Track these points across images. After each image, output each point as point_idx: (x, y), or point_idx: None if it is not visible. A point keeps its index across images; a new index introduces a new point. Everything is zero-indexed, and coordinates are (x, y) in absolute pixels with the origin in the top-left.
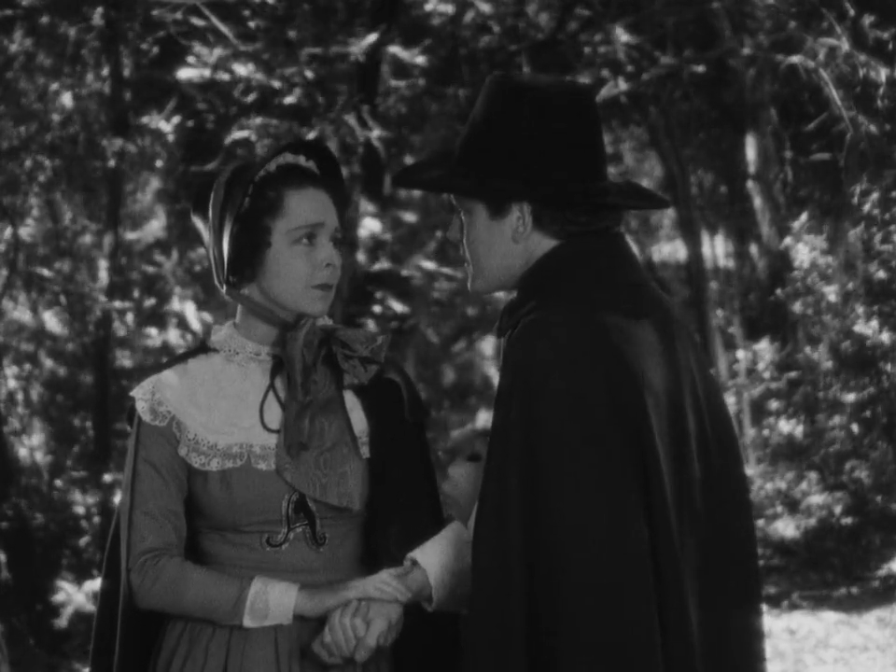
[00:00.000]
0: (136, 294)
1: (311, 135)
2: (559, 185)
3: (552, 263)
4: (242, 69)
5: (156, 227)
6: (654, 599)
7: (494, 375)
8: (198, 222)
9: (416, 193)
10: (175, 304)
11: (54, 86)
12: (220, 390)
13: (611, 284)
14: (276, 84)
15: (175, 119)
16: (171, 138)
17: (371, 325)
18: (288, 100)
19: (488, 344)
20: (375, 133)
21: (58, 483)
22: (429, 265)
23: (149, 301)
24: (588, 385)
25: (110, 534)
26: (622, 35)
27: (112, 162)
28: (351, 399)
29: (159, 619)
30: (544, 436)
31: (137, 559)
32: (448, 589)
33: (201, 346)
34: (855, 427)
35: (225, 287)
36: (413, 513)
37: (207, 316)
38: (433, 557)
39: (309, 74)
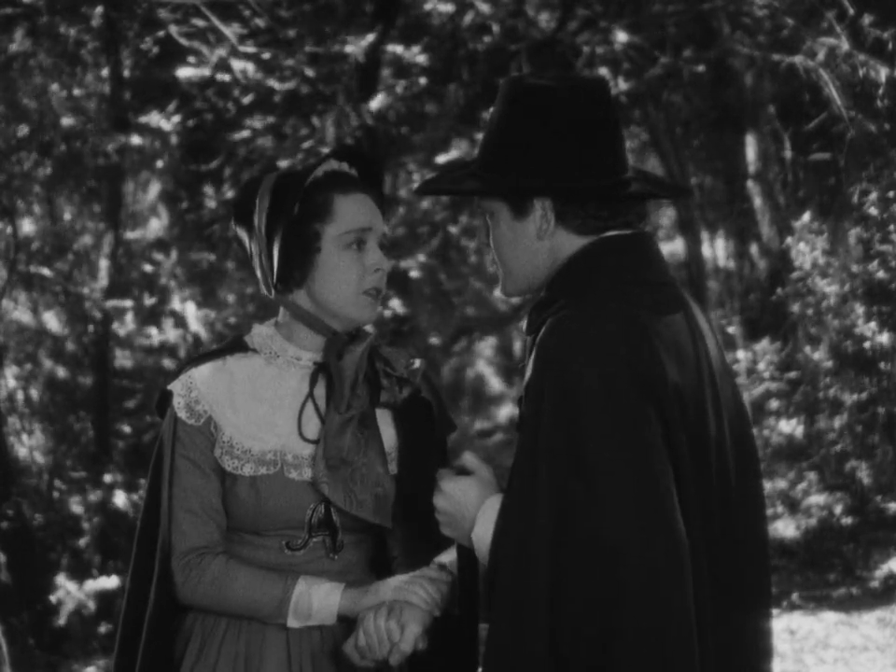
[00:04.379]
0: (136, 293)
1: (310, 133)
2: (578, 178)
3: (579, 262)
4: (241, 64)
5: (156, 225)
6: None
7: (492, 375)
8: (241, 232)
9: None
10: (176, 304)
11: (54, 86)
12: (257, 393)
13: (639, 282)
14: (276, 85)
15: (176, 119)
16: (173, 138)
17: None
18: (287, 86)
19: (487, 345)
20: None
21: (58, 482)
22: (429, 261)
23: (150, 301)
24: (622, 382)
25: (137, 533)
26: (620, 35)
27: (114, 158)
28: (383, 415)
29: (182, 616)
30: (581, 432)
31: (181, 558)
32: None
33: (238, 343)
34: (855, 428)
35: (273, 292)
36: (436, 526)
37: (211, 314)
38: None
39: (309, 72)
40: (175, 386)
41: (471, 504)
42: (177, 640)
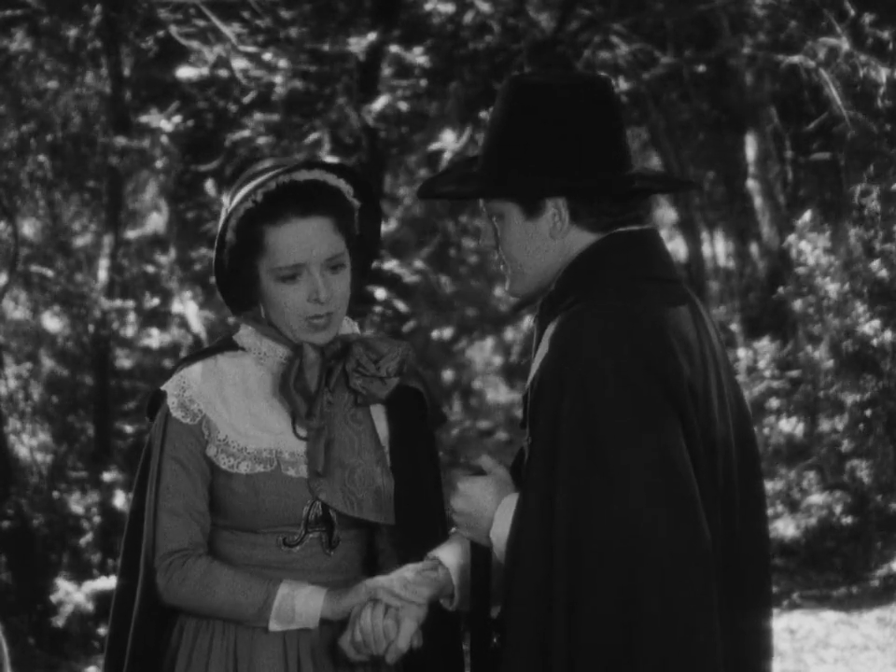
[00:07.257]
0: (138, 294)
1: (311, 136)
2: (583, 177)
3: (591, 258)
4: (241, 63)
5: (156, 221)
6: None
7: (492, 375)
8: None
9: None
10: (177, 305)
11: (52, 83)
12: (250, 392)
13: (647, 278)
14: (277, 80)
15: (176, 119)
16: (167, 139)
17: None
18: (289, 86)
19: (487, 345)
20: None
21: (58, 482)
22: (425, 267)
23: (152, 302)
24: (640, 376)
25: (125, 533)
26: (622, 45)
27: (113, 160)
28: (377, 409)
29: (172, 616)
30: (602, 428)
31: (164, 560)
32: (469, 588)
33: (229, 342)
34: (856, 427)
35: (233, 313)
36: (426, 519)
37: (210, 315)
38: (455, 556)
39: (312, 68)
40: (169, 386)
41: (489, 503)
42: (169, 639)
